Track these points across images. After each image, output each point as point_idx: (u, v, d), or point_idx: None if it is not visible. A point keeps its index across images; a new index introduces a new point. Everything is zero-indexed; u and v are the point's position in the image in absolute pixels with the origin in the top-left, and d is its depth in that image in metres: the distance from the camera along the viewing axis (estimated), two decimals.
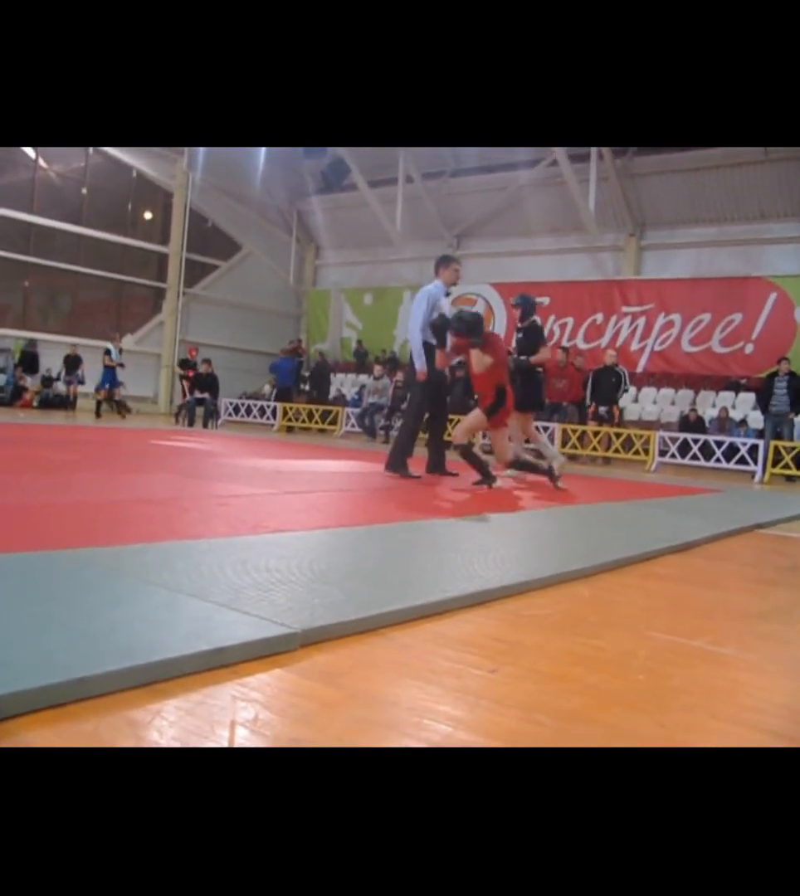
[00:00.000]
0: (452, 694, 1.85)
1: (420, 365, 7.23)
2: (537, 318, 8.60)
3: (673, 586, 3.42)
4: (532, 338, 8.30)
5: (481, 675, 2.00)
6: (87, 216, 21.51)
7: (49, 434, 9.51)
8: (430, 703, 1.78)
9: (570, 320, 20.03)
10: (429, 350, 7.24)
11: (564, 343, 18.67)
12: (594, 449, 14.62)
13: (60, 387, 20.09)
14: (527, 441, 8.51)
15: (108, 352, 17.34)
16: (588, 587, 3.20)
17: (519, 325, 8.48)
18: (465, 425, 7.21)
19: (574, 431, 14.85)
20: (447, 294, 7.45)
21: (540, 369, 8.40)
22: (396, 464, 7.35)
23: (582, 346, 19.36)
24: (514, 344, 8.71)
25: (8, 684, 1.55)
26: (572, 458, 14.67)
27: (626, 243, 20.08)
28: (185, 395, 17.29)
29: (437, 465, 7.74)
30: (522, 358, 8.25)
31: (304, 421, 18.80)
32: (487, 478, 6.93)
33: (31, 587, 2.34)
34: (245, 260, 24.65)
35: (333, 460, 9.32)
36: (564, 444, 14.76)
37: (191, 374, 17.13)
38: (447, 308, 7.36)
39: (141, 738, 1.49)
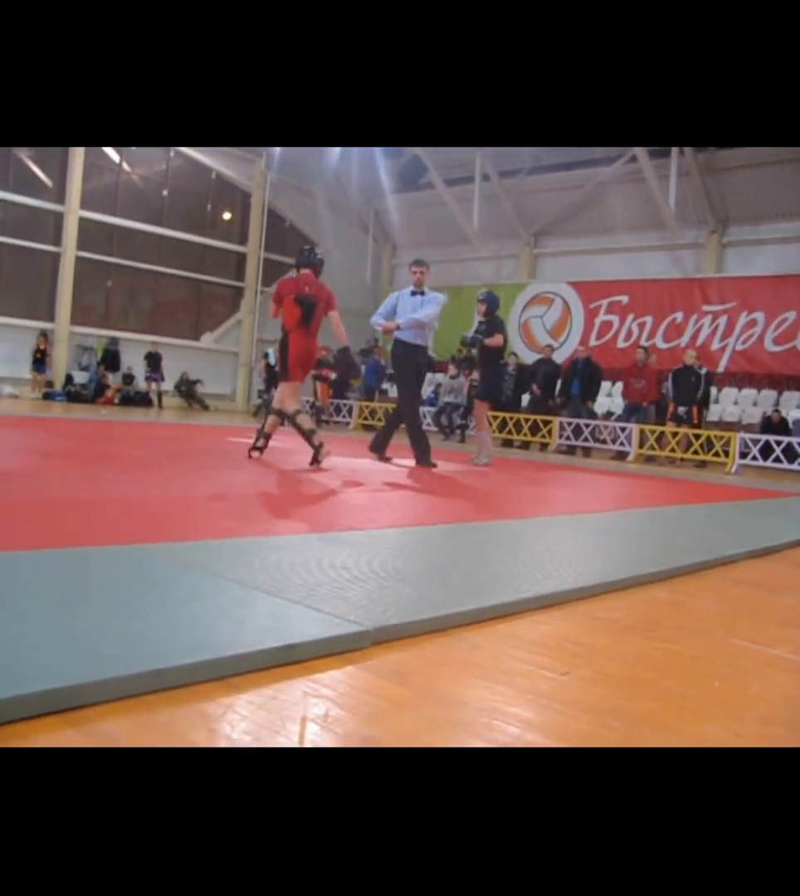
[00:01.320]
0: (522, 695, 1.84)
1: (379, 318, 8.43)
2: (499, 314, 9.50)
3: (753, 592, 3.34)
4: (492, 327, 9.13)
5: (553, 677, 1.99)
6: (168, 217, 21.93)
7: (129, 430, 9.74)
8: (500, 704, 1.78)
9: (648, 319, 19.68)
10: (401, 345, 8.15)
11: (643, 342, 18.37)
12: (672, 450, 14.35)
13: (141, 384, 20.53)
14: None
15: (265, 355, 17.78)
16: (664, 590, 3.15)
17: (482, 319, 9.20)
18: (283, 395, 7.38)
19: (652, 432, 14.60)
20: (414, 293, 8.27)
21: (504, 363, 9.49)
22: (425, 459, 8.07)
23: (661, 345, 19.00)
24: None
25: (88, 674, 1.60)
26: (650, 459, 14.43)
27: (707, 240, 19.66)
28: (315, 397, 17.43)
29: (380, 447, 8.44)
30: (478, 335, 9.16)
31: (380, 419, 18.85)
32: (315, 448, 6.93)
33: (110, 580, 2.40)
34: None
35: (408, 459, 9.34)
36: (641, 444, 14.53)
37: (325, 372, 17.18)
38: (411, 307, 8.15)
39: (213, 730, 1.51)
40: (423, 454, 8.15)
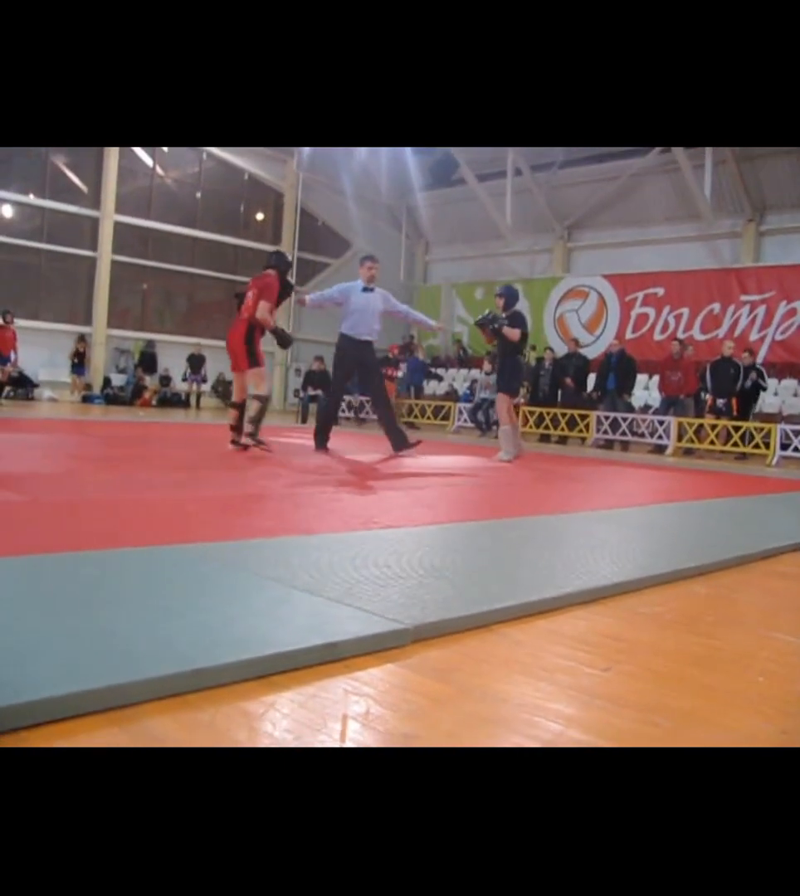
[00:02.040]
0: (564, 692, 1.83)
1: (315, 299, 8.68)
2: (519, 309, 9.39)
3: (796, 585, 3.30)
4: (511, 322, 9.02)
5: (595, 673, 1.98)
6: (202, 219, 22.09)
7: (167, 432, 9.82)
8: (541, 700, 1.77)
9: (685, 311, 19.47)
10: (347, 339, 8.33)
11: (680, 334, 18.17)
12: (712, 443, 14.20)
13: (178, 385, 20.70)
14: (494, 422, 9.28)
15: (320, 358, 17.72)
16: (705, 585, 3.12)
17: (504, 314, 9.11)
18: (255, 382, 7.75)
19: (690, 425, 14.46)
20: (365, 289, 8.33)
21: (521, 357, 9.37)
22: (320, 441, 8.44)
23: (698, 337, 18.80)
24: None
25: (130, 673, 1.62)
26: (689, 452, 14.29)
27: (744, 229, 19.40)
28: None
29: (400, 442, 8.50)
30: (500, 318, 9.09)
31: (416, 416, 18.86)
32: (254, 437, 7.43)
33: (151, 580, 2.43)
34: (356, 257, 24.85)
35: (445, 456, 9.33)
36: (680, 437, 14.39)
37: (390, 371, 17.16)
38: (364, 302, 8.31)
39: (255, 729, 1.52)
40: (317, 435, 8.49)
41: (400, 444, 8.45)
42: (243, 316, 7.56)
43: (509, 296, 9.25)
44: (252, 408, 7.52)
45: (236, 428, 7.70)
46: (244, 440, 7.35)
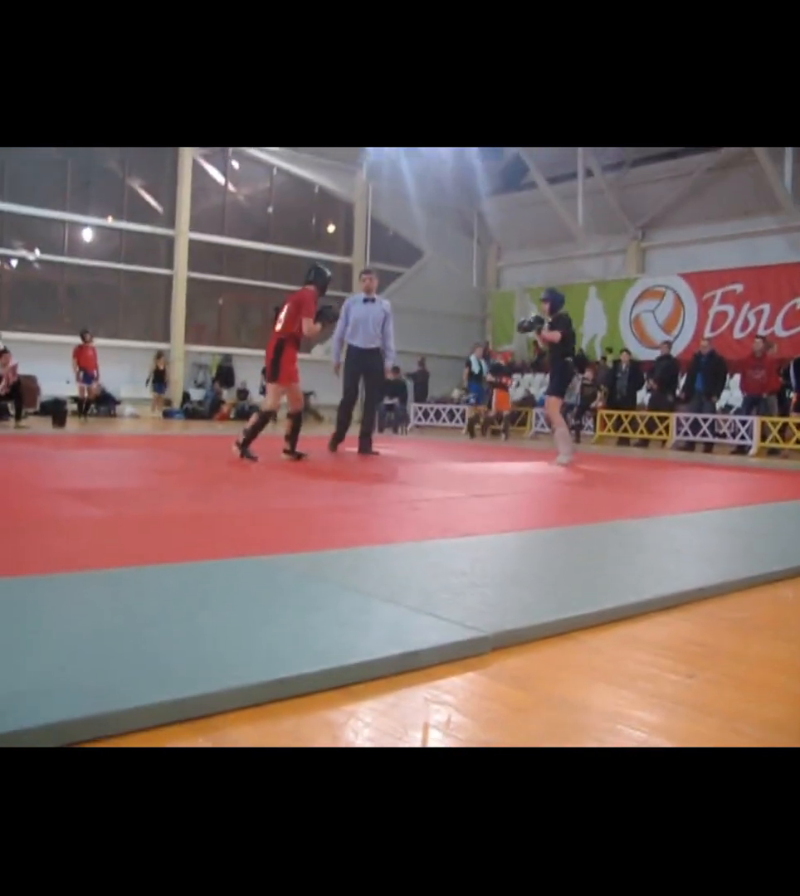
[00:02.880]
0: (647, 699, 1.81)
1: (335, 358, 9.34)
2: (565, 311, 9.39)
3: None
4: (555, 325, 9.12)
5: (678, 680, 1.95)
6: (274, 233, 22.39)
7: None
8: (624, 707, 1.75)
9: (766, 307, 18.98)
10: (354, 349, 9.03)
11: (761, 331, 17.73)
12: (798, 442, 13.81)
13: (256, 398, 20.97)
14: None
15: (469, 363, 17.49)
16: (792, 589, 3.04)
17: (550, 318, 9.20)
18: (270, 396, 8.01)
19: (774, 424, 14.09)
20: (365, 300, 9.08)
21: (569, 359, 9.28)
22: (333, 444, 9.08)
23: (781, 333, 18.31)
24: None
25: (214, 683, 1.65)
26: (773, 452, 13.93)
27: None
28: (489, 407, 16.93)
29: (367, 448, 9.17)
30: (537, 321, 9.35)
31: (494, 423, 18.77)
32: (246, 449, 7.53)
33: (232, 591, 2.47)
34: (427, 265, 24.91)
35: (522, 462, 9.28)
36: (764, 437, 14.04)
37: (505, 380, 16.98)
38: (364, 312, 8.99)
39: (337, 737, 1.54)
40: (333, 439, 9.13)
41: (366, 449, 9.14)
42: (276, 331, 7.76)
43: (554, 299, 9.24)
44: (250, 420, 7.71)
45: (290, 438, 7.96)
46: (232, 448, 7.51)
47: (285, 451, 7.73)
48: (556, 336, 8.98)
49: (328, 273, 8.36)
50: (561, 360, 9.14)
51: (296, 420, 7.94)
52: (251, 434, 7.54)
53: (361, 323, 8.96)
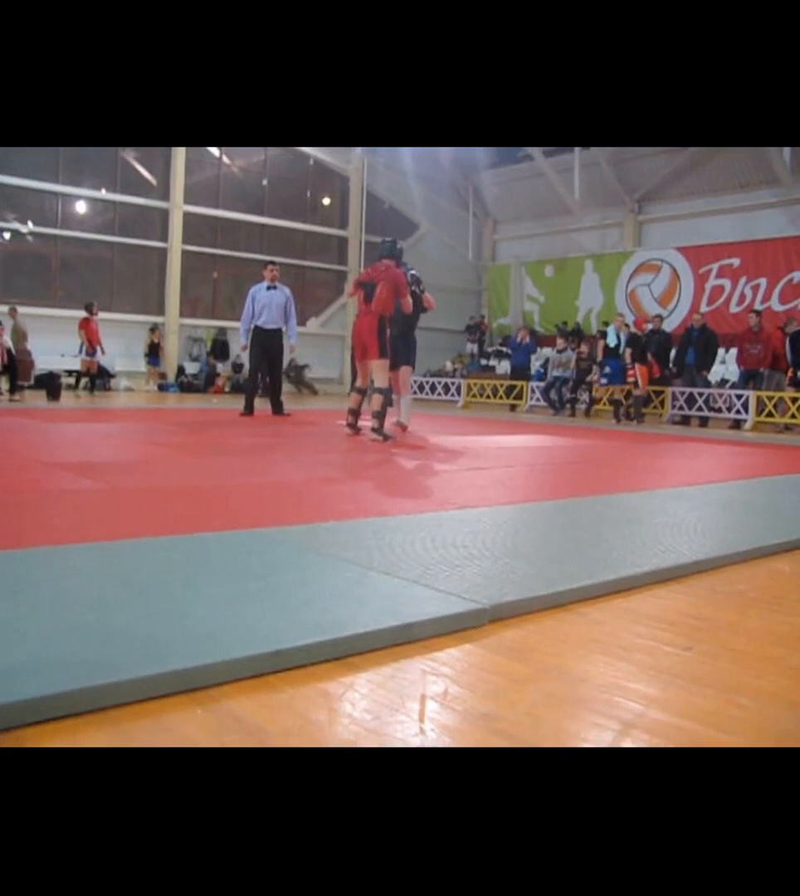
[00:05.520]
0: (644, 671, 1.81)
1: (243, 340, 10.68)
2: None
3: None
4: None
5: (675, 652, 1.95)
6: (269, 206, 22.24)
7: (240, 417, 9.94)
8: (621, 680, 1.75)
9: (763, 281, 18.90)
10: (254, 330, 10.40)
11: (757, 306, 17.67)
12: (793, 416, 13.81)
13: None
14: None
15: (604, 335, 15.91)
16: (789, 562, 3.05)
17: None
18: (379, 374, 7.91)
19: (770, 399, 14.09)
20: (269, 288, 10.43)
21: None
22: (246, 409, 10.30)
23: (777, 308, 18.26)
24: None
25: (212, 655, 1.65)
26: (769, 426, 13.93)
27: None
28: (635, 385, 15.00)
29: (278, 409, 10.60)
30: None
31: (488, 396, 18.74)
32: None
33: (229, 564, 2.47)
34: (423, 239, 24.78)
35: (518, 435, 9.28)
36: (759, 411, 14.04)
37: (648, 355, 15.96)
38: (268, 298, 10.35)
39: (334, 709, 1.54)
40: (245, 407, 10.34)
41: (279, 410, 10.55)
42: (375, 309, 7.71)
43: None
44: (375, 402, 7.67)
45: (355, 412, 8.02)
46: (372, 437, 7.40)
47: (374, 431, 7.52)
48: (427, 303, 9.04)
49: (400, 244, 8.51)
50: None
51: (387, 396, 7.86)
52: (383, 415, 7.55)
53: (267, 307, 10.37)
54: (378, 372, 7.84)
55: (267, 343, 10.47)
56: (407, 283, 8.02)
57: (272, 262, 10.92)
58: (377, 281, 7.81)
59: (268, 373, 10.91)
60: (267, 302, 10.44)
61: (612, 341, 15.23)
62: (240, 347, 10.90)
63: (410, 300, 7.99)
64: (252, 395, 10.59)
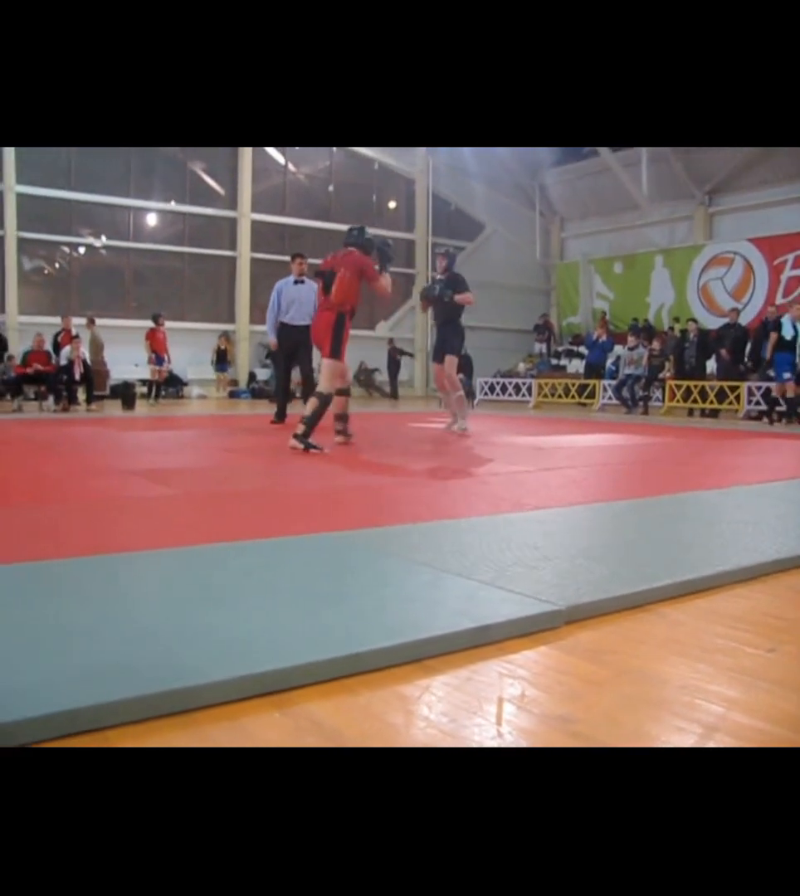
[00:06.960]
0: (725, 673, 1.78)
1: (272, 337, 9.90)
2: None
3: None
4: (459, 286, 8.94)
5: (758, 654, 1.91)
6: (335, 211, 22.38)
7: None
8: (702, 682, 1.72)
9: None
10: (281, 327, 9.71)
11: None
12: None
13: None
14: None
15: (778, 327, 13.92)
16: None
17: (442, 275, 9.16)
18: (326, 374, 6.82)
19: None
20: (296, 282, 9.75)
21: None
22: (277, 418, 9.85)
23: None
24: None
25: (290, 658, 1.67)
26: None
27: None
28: None
29: (281, 417, 9.97)
30: (447, 290, 8.90)
31: (559, 396, 18.57)
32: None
33: (304, 567, 2.49)
34: (490, 239, 24.70)
35: (590, 434, 9.18)
36: None
37: None
38: (296, 293, 9.69)
39: (411, 712, 1.54)
40: (277, 415, 10.00)
41: (281, 416, 9.91)
42: (335, 301, 6.79)
43: (450, 258, 9.21)
44: (310, 405, 6.61)
45: (342, 417, 7.19)
46: (292, 444, 6.40)
47: (296, 437, 6.46)
48: (470, 299, 8.87)
49: (369, 233, 7.42)
50: (458, 319, 8.99)
51: (324, 404, 6.66)
52: (313, 423, 6.47)
53: (295, 302, 9.70)
54: (324, 372, 6.74)
55: (297, 339, 9.48)
56: (373, 265, 6.97)
57: (300, 255, 10.13)
58: (336, 268, 6.84)
59: (300, 372, 9.98)
60: (295, 296, 9.74)
61: (788, 333, 13.30)
62: (271, 345, 10.06)
63: (384, 283, 7.05)
64: (284, 400, 10.16)
